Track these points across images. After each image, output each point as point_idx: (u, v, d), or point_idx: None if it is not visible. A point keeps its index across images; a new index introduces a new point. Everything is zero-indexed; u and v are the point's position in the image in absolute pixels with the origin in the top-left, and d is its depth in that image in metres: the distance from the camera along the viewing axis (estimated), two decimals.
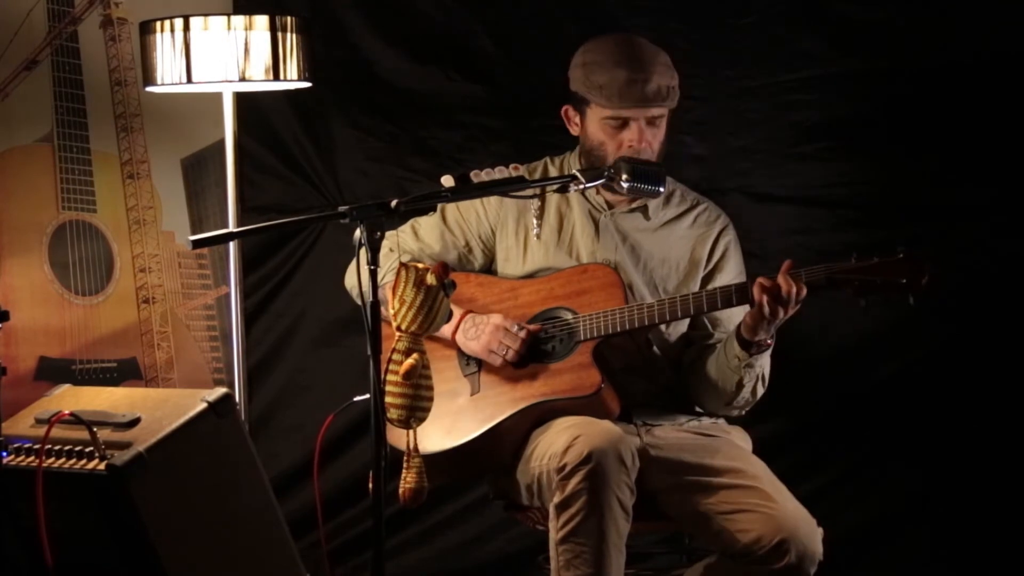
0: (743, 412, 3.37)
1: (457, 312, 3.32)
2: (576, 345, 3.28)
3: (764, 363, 3.28)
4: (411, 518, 4.33)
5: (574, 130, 3.42)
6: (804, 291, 3.10)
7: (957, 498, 4.11)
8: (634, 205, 3.41)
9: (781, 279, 3.10)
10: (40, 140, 4.19)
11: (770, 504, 3.11)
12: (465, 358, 3.37)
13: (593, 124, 3.33)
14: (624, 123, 3.29)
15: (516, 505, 3.38)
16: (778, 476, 3.22)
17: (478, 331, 3.31)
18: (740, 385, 3.27)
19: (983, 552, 4.08)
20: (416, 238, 3.48)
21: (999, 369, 4.12)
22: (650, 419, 3.35)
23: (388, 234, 3.48)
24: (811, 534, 3.09)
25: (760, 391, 3.33)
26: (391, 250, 3.44)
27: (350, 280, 3.55)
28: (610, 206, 3.42)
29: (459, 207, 3.46)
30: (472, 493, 4.32)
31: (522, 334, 3.28)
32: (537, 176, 3.43)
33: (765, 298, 3.09)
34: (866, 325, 4.04)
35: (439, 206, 3.45)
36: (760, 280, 3.11)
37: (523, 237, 3.44)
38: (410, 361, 2.70)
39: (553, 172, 3.45)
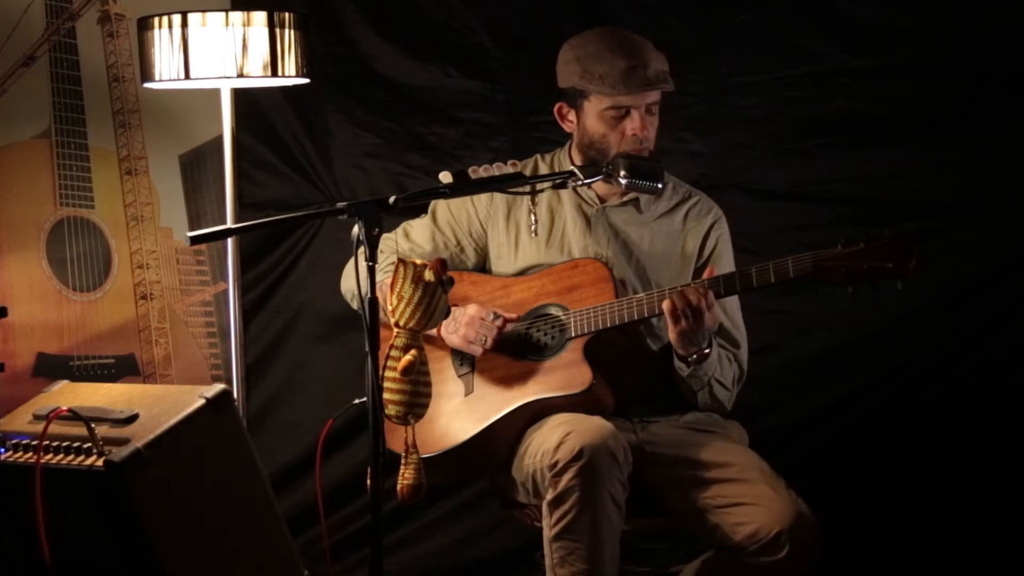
0: (724, 408, 3.37)
1: None
2: (567, 342, 3.28)
3: (711, 370, 3.28)
4: (409, 515, 4.33)
5: (568, 127, 3.41)
6: (711, 296, 3.13)
7: (955, 493, 4.11)
8: (626, 199, 3.41)
9: (690, 292, 3.13)
10: (38, 136, 4.19)
11: (766, 497, 3.12)
12: (459, 359, 3.38)
13: (592, 117, 3.33)
14: (626, 112, 3.30)
15: (514, 502, 3.38)
16: (775, 470, 3.22)
17: (456, 324, 3.32)
18: (692, 392, 3.31)
19: (982, 548, 4.08)
20: (407, 239, 3.48)
21: (998, 366, 4.12)
22: (646, 415, 3.35)
23: (383, 236, 3.48)
24: (808, 526, 3.09)
25: (723, 393, 3.34)
26: (381, 251, 3.44)
27: (345, 284, 3.55)
28: (602, 200, 3.42)
29: (450, 207, 3.47)
30: (470, 490, 4.31)
31: (497, 323, 3.29)
32: (528, 172, 3.43)
33: (678, 314, 3.13)
34: (864, 321, 4.05)
35: (430, 207, 3.46)
36: (666, 302, 3.14)
37: (514, 234, 3.44)
38: (408, 357, 2.71)
39: (543, 169, 3.45)
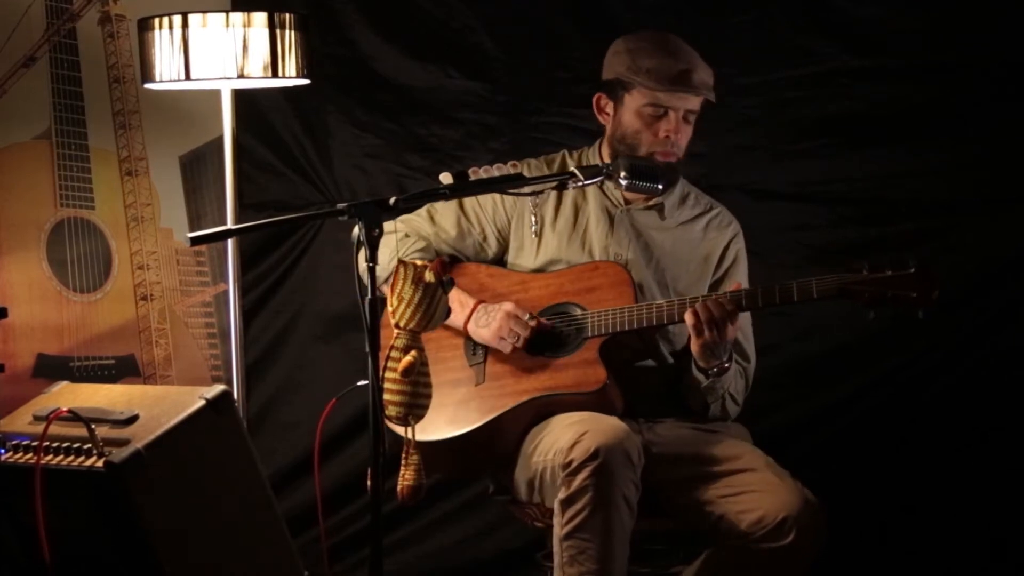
0: (728, 419, 3.39)
1: (470, 302, 3.34)
2: (583, 341, 3.28)
3: (728, 384, 3.30)
4: (409, 515, 4.33)
5: (604, 119, 3.42)
6: (734, 309, 3.14)
7: (955, 493, 4.11)
8: (651, 203, 3.42)
9: (714, 304, 3.15)
10: (38, 137, 4.19)
11: (772, 484, 3.12)
12: (471, 348, 3.38)
13: (629, 112, 3.34)
14: (663, 113, 3.31)
15: (515, 501, 3.38)
16: None
17: (489, 319, 3.32)
18: (706, 404, 3.33)
19: (982, 548, 4.08)
20: (432, 223, 3.48)
21: (998, 366, 4.12)
22: (652, 415, 3.35)
23: (402, 218, 3.47)
24: (814, 512, 3.10)
25: (733, 407, 3.37)
26: (407, 235, 3.44)
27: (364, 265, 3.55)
28: (627, 202, 3.43)
29: (476, 196, 3.46)
30: (470, 490, 4.32)
31: (532, 322, 3.29)
32: (555, 168, 3.44)
33: (701, 326, 3.14)
34: (864, 321, 4.05)
35: None
36: (688, 314, 3.15)
37: (538, 227, 3.45)
38: (408, 358, 2.71)
39: (572, 165, 3.44)
